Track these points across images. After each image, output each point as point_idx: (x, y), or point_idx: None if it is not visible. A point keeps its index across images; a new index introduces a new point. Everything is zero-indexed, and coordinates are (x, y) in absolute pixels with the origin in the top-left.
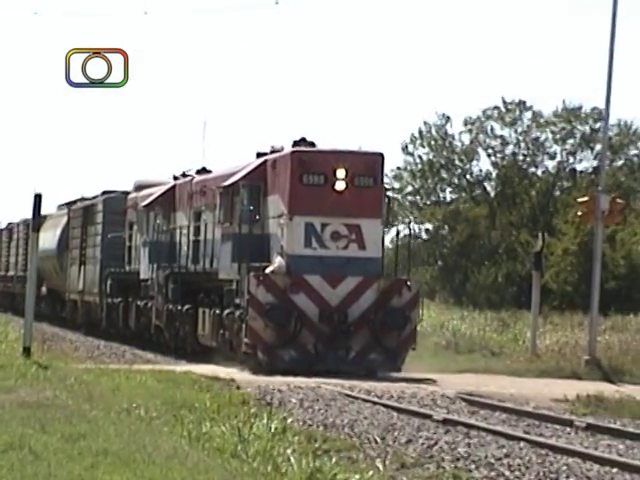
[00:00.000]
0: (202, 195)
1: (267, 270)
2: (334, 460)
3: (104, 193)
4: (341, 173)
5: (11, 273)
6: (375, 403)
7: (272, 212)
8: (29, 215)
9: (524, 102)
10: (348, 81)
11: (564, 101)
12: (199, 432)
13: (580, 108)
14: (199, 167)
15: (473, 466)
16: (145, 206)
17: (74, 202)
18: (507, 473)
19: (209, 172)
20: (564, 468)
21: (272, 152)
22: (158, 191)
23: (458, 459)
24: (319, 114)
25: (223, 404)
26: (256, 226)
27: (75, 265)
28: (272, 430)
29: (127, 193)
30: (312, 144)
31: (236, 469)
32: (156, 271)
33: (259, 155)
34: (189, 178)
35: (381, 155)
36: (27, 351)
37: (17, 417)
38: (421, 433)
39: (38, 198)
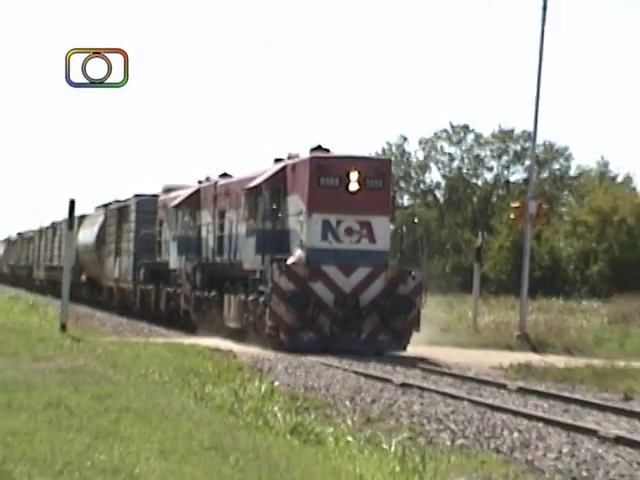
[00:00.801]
0: (226, 196)
1: (288, 261)
2: (313, 416)
3: (136, 196)
4: (354, 176)
5: (55, 263)
6: (346, 370)
7: (292, 210)
8: None
9: (467, 126)
10: (319, 103)
11: (500, 125)
12: (203, 393)
13: (512, 130)
14: (221, 172)
15: (425, 421)
16: (174, 206)
17: (109, 204)
18: (453, 426)
19: (230, 177)
20: (499, 423)
21: (289, 158)
22: (185, 193)
23: (413, 415)
24: (304, 126)
25: (223, 370)
26: (277, 222)
27: (111, 257)
28: (262, 391)
29: (156, 196)
30: (327, 150)
31: (233, 423)
32: (184, 262)
33: (277, 160)
34: (213, 182)
35: (390, 161)
36: (63, 327)
37: (55, 381)
38: (383, 394)
39: (72, 203)
